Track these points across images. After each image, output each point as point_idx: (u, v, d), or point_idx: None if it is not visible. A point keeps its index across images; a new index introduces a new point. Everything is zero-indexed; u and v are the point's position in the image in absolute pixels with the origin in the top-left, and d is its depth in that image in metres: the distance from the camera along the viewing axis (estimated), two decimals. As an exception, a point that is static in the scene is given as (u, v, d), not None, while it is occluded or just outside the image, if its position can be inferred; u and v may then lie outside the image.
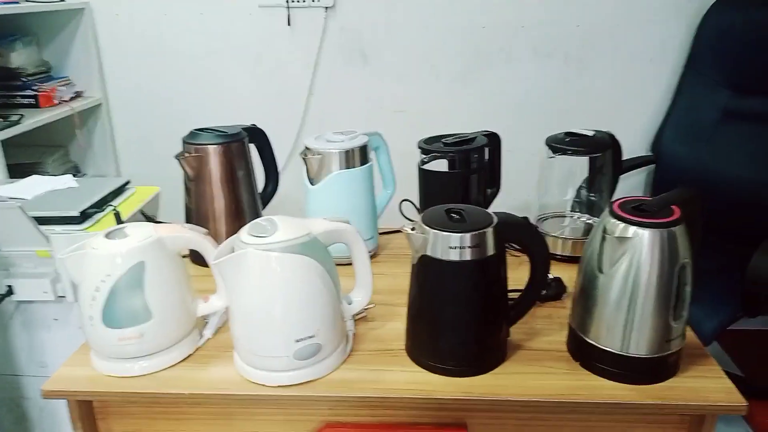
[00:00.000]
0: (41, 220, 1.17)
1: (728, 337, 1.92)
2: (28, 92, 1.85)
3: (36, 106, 1.85)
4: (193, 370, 0.87)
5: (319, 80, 2.02)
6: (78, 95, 2.01)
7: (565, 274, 1.06)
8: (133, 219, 1.29)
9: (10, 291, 1.20)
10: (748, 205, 1.71)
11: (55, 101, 1.88)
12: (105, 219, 1.24)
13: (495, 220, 0.82)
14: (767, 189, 1.68)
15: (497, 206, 1.12)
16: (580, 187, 1.24)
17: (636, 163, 1.93)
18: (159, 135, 2.09)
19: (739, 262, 1.45)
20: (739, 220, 1.72)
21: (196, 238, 0.90)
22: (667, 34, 1.91)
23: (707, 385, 0.81)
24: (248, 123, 1.26)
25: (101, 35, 2.03)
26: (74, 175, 1.43)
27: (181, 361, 0.88)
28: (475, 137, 1.16)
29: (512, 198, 1.35)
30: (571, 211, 1.25)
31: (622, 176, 1.30)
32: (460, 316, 0.83)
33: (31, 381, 1.32)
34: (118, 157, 2.16)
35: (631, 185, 2.05)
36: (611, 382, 0.81)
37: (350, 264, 0.92)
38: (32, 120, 1.72)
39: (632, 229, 0.77)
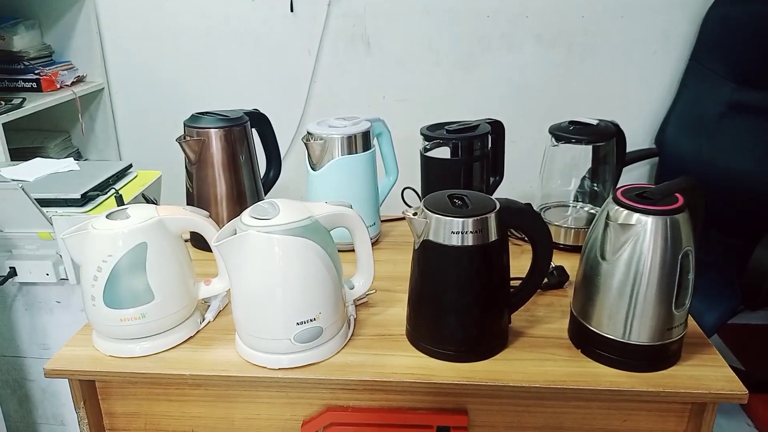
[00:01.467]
0: (43, 202, 1.17)
1: (730, 331, 1.93)
2: (30, 76, 1.85)
3: (38, 89, 1.85)
4: (194, 352, 0.87)
5: (322, 66, 2.01)
6: (80, 79, 2.00)
7: (567, 263, 1.06)
8: (134, 202, 1.29)
9: (12, 273, 1.20)
10: (750, 199, 1.71)
11: (57, 85, 1.88)
12: (107, 202, 1.24)
13: (497, 205, 0.82)
14: (769, 183, 1.68)
15: (500, 195, 1.11)
16: (584, 177, 1.23)
17: (639, 156, 1.93)
18: (161, 119, 2.09)
19: (741, 255, 1.45)
20: (741, 214, 1.71)
21: (197, 220, 0.90)
22: (672, 25, 1.89)
23: (708, 373, 0.81)
24: (251, 108, 1.25)
25: (103, 19, 2.01)
26: (76, 160, 1.43)
27: (183, 342, 0.88)
28: (479, 125, 1.16)
29: (515, 187, 1.34)
30: (574, 200, 1.24)
31: (625, 168, 1.29)
32: (461, 301, 0.83)
33: (33, 363, 1.32)
34: (119, 142, 2.16)
35: (634, 177, 2.04)
36: (612, 370, 0.81)
37: (352, 250, 0.92)
38: (34, 104, 1.72)
39: (635, 216, 0.77)
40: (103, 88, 2.06)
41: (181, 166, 1.17)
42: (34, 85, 1.85)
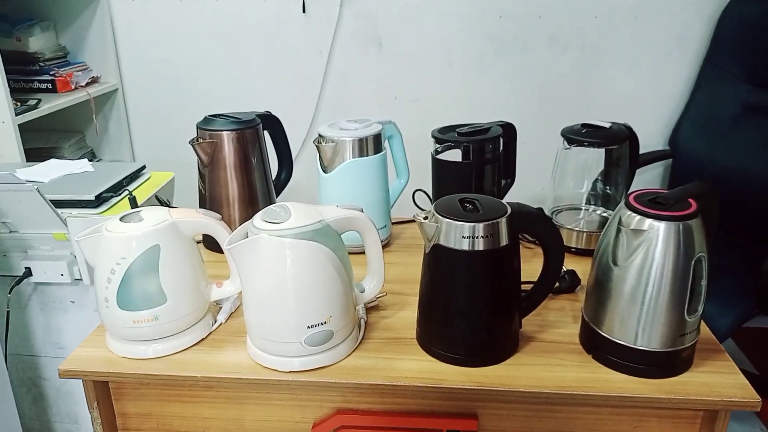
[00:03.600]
0: (58, 204, 1.19)
1: (744, 335, 1.91)
2: (46, 77, 1.87)
3: (53, 90, 1.87)
4: (206, 354, 0.88)
5: (334, 67, 2.01)
6: (94, 80, 2.02)
7: (579, 267, 1.05)
8: (147, 204, 1.31)
9: (28, 273, 1.21)
10: (764, 201, 1.69)
11: (72, 86, 1.90)
12: (120, 203, 1.25)
13: (509, 210, 0.81)
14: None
15: (511, 197, 1.11)
16: (596, 180, 1.22)
17: (653, 157, 1.91)
18: (174, 120, 2.10)
19: (755, 258, 1.43)
20: (756, 216, 1.70)
21: (210, 222, 0.90)
22: (687, 26, 1.88)
23: (721, 380, 0.80)
24: (263, 109, 1.26)
25: (117, 21, 2.03)
26: (90, 160, 1.45)
27: (195, 344, 0.89)
28: (490, 127, 1.15)
29: (527, 189, 1.34)
30: (587, 203, 1.24)
31: (638, 170, 1.28)
32: (472, 305, 0.83)
33: (48, 362, 1.34)
34: (133, 142, 2.18)
35: (647, 179, 2.03)
36: (624, 376, 0.81)
37: (362, 253, 0.92)
38: (49, 104, 1.74)
39: (648, 222, 0.76)
40: (117, 89, 2.08)
41: (194, 167, 1.18)
42: (50, 86, 1.87)
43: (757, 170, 1.71)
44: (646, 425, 0.83)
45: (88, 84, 1.97)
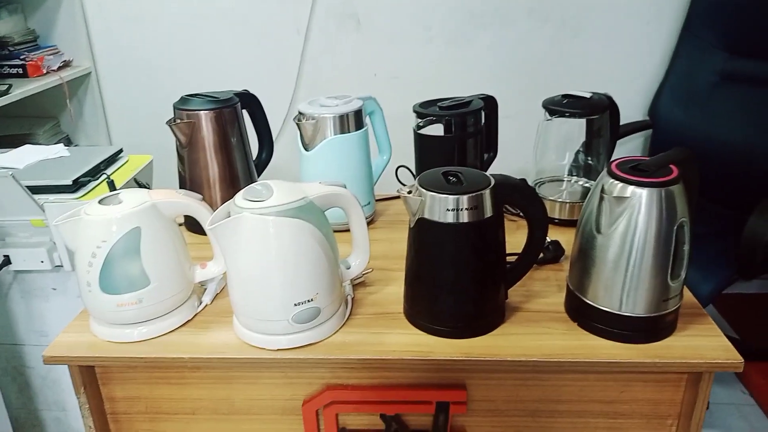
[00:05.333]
0: (34, 190, 1.17)
1: (724, 300, 1.94)
2: (16, 62, 1.82)
3: (24, 75, 1.82)
4: (192, 335, 0.87)
5: (311, 46, 1.98)
6: (66, 64, 1.97)
7: (563, 237, 1.06)
8: (126, 187, 1.28)
9: (7, 261, 1.19)
10: (744, 169, 1.71)
11: (44, 70, 1.85)
12: (98, 187, 1.23)
13: (492, 181, 0.81)
14: (762, 152, 1.68)
15: (494, 171, 1.10)
16: (578, 152, 1.23)
17: (633, 128, 1.92)
18: (150, 103, 2.06)
19: (735, 225, 1.45)
20: (736, 184, 1.72)
21: (191, 203, 0.89)
22: (664, -5, 1.88)
23: (704, 343, 0.81)
24: (240, 89, 1.24)
25: (87, 2, 1.98)
26: (66, 146, 1.42)
27: (181, 326, 0.89)
28: (471, 101, 1.15)
29: (509, 163, 1.33)
30: (569, 175, 1.24)
31: (619, 141, 1.29)
32: (458, 278, 0.83)
33: (32, 350, 1.32)
34: (109, 127, 2.13)
35: (628, 150, 2.04)
36: (609, 342, 0.82)
37: (347, 230, 0.91)
38: (21, 90, 1.69)
39: (630, 189, 0.77)
40: (90, 73, 2.03)
41: (173, 149, 1.16)
42: (20, 71, 1.82)
43: (736, 138, 1.72)
44: (633, 389, 0.84)
45: (60, 68, 1.92)
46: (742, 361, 0.78)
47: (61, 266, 1.21)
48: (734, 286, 1.50)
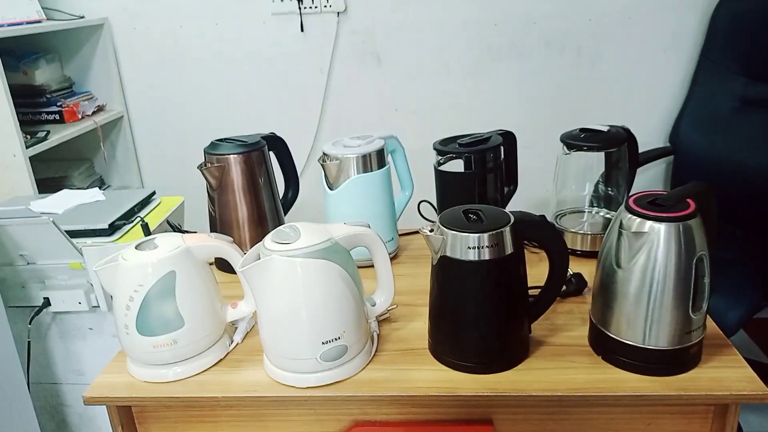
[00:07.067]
0: (73, 234, 1.22)
1: (755, 326, 1.91)
2: (53, 108, 1.91)
3: (61, 121, 1.91)
4: (225, 374, 0.90)
5: (334, 84, 2.04)
6: (100, 109, 2.06)
7: (585, 269, 1.07)
8: (159, 229, 1.33)
9: (46, 303, 1.24)
10: (766, 193, 1.70)
11: (79, 116, 1.94)
12: (133, 230, 1.28)
13: (512, 219, 0.83)
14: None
15: (515, 203, 1.13)
16: (598, 182, 1.24)
17: (654, 155, 1.93)
18: (179, 145, 2.14)
19: (761, 251, 1.44)
20: (759, 209, 1.70)
21: (222, 246, 0.93)
22: (681, 23, 1.90)
23: (729, 374, 0.81)
24: (266, 129, 1.29)
25: (120, 49, 2.07)
26: (100, 187, 1.48)
27: (213, 365, 0.91)
28: (491, 136, 1.17)
29: (530, 195, 1.36)
30: (590, 206, 1.25)
31: (640, 168, 1.29)
32: (481, 314, 0.85)
33: (69, 388, 1.36)
34: (141, 168, 2.21)
35: (649, 177, 2.04)
36: (634, 375, 0.83)
37: (372, 266, 0.94)
38: (58, 135, 1.78)
39: (648, 224, 0.78)
40: (123, 116, 2.12)
41: (202, 189, 1.20)
42: (57, 117, 1.91)
43: (758, 162, 1.71)
44: (660, 422, 0.84)
45: (94, 113, 2.01)
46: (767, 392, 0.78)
47: (98, 306, 1.25)
48: (765, 310, 1.48)
